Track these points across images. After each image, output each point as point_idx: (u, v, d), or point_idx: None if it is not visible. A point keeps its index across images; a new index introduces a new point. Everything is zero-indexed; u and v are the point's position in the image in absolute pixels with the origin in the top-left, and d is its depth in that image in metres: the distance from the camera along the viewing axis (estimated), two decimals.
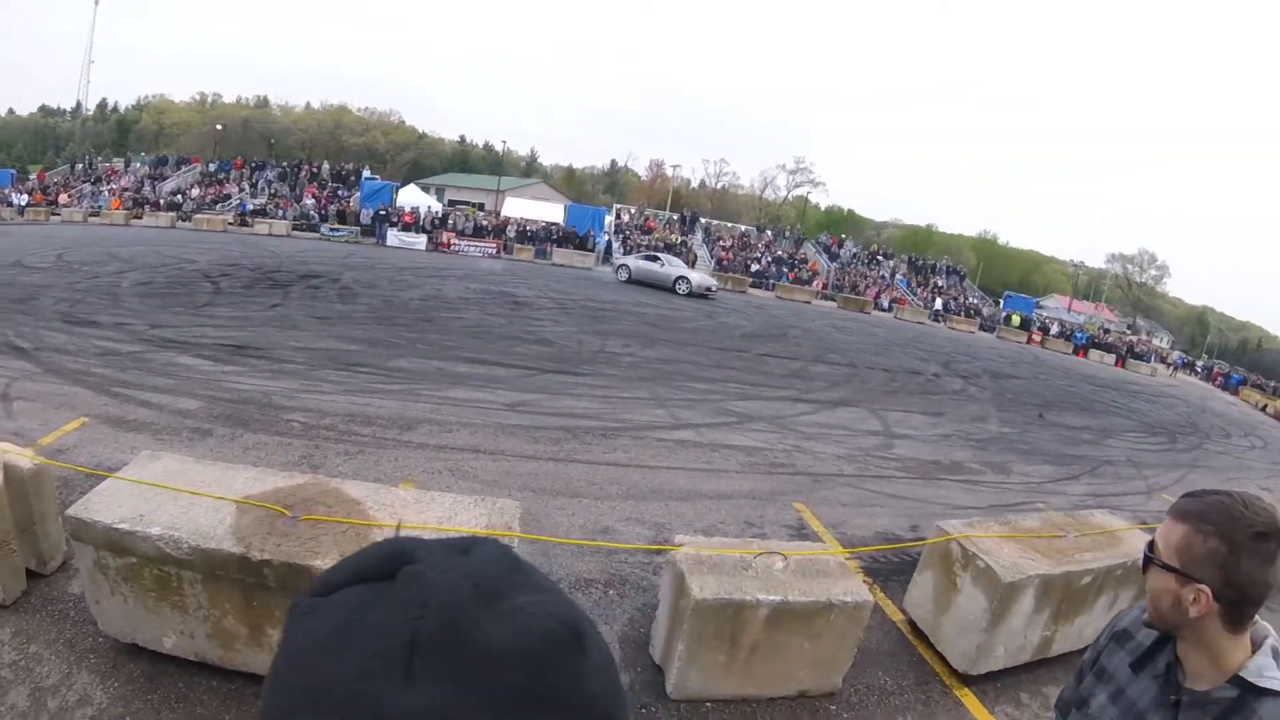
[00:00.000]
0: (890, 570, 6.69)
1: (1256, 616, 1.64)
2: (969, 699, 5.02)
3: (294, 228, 38.24)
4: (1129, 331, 70.66)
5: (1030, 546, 5.48)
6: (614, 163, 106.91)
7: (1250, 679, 1.57)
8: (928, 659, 5.38)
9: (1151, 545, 1.70)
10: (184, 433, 7.52)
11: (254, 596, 3.67)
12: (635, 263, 34.27)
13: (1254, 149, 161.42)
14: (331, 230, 38.11)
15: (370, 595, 0.51)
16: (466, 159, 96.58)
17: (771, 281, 44.38)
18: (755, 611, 4.12)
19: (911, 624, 5.73)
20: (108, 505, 3.79)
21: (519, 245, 40.67)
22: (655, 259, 34.15)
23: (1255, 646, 1.62)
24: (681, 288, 31.29)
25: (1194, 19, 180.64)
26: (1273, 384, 51.95)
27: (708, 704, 4.32)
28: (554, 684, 0.49)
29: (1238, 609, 1.57)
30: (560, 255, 39.93)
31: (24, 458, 4.47)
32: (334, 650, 0.48)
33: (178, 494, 3.92)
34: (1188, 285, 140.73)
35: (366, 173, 51.42)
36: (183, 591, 3.71)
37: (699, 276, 32.71)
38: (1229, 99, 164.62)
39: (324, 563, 3.54)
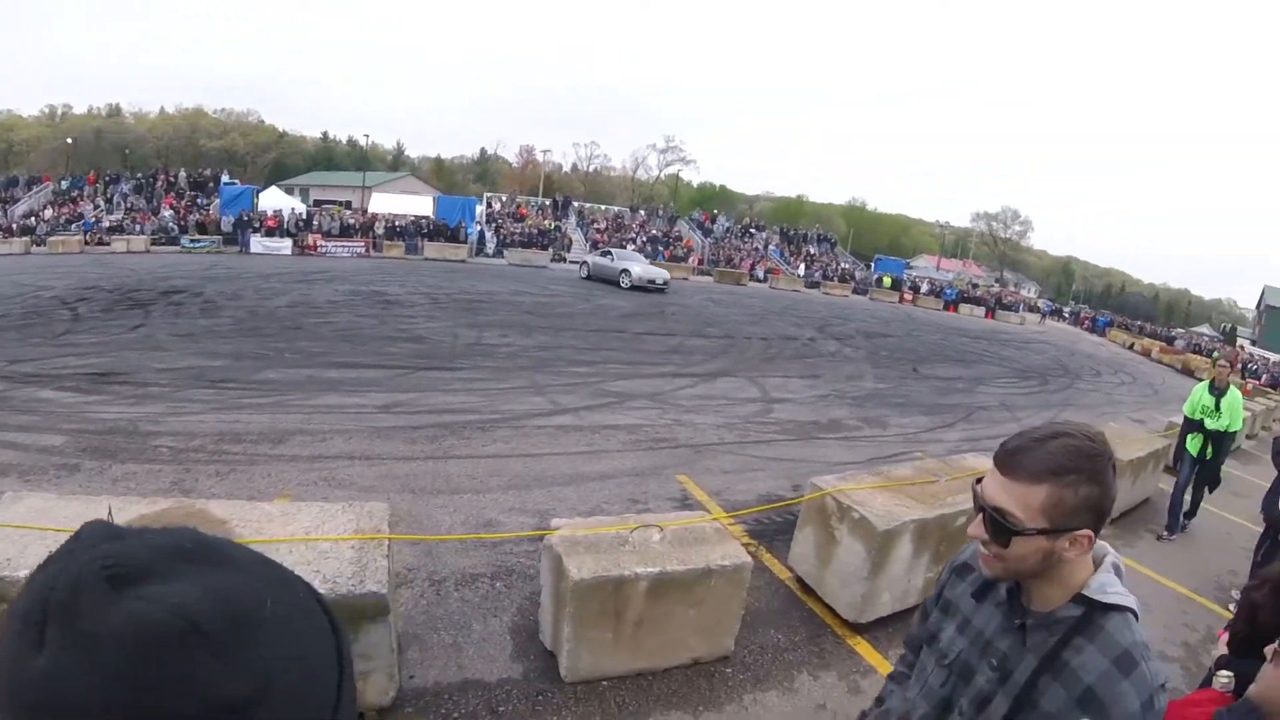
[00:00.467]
0: (775, 530, 6.84)
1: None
2: (862, 646, 5.17)
3: (153, 242, 36.34)
4: (997, 285, 73.43)
5: (903, 494, 5.67)
6: (484, 151, 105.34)
7: (1094, 595, 1.59)
8: (818, 612, 5.52)
9: (1003, 514, 1.58)
10: (50, 470, 7.14)
11: None
12: (592, 259, 35.27)
13: (1106, 99, 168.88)
14: (192, 241, 36.54)
15: (43, 565, 0.56)
16: (331, 156, 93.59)
17: (648, 260, 44.51)
18: (635, 585, 4.15)
19: (799, 580, 5.87)
20: None
21: (388, 242, 39.59)
22: (608, 254, 34.95)
23: (1097, 565, 1.65)
24: (623, 281, 31.17)
25: None
26: (1138, 324, 54.75)
27: (603, 683, 4.34)
28: (159, 673, 0.50)
29: (1097, 533, 1.59)
30: (432, 249, 39.00)
31: None
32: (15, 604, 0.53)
33: (44, 533, 3.74)
34: (1051, 238, 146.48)
35: (225, 177, 49.31)
36: None
37: (641, 268, 32.30)
38: (1077, 52, 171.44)
39: None
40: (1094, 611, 1.60)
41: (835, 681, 4.74)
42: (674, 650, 4.50)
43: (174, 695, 0.50)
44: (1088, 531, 1.55)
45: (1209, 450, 8.66)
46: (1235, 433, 8.79)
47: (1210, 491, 9.09)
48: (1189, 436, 8.76)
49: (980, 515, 1.64)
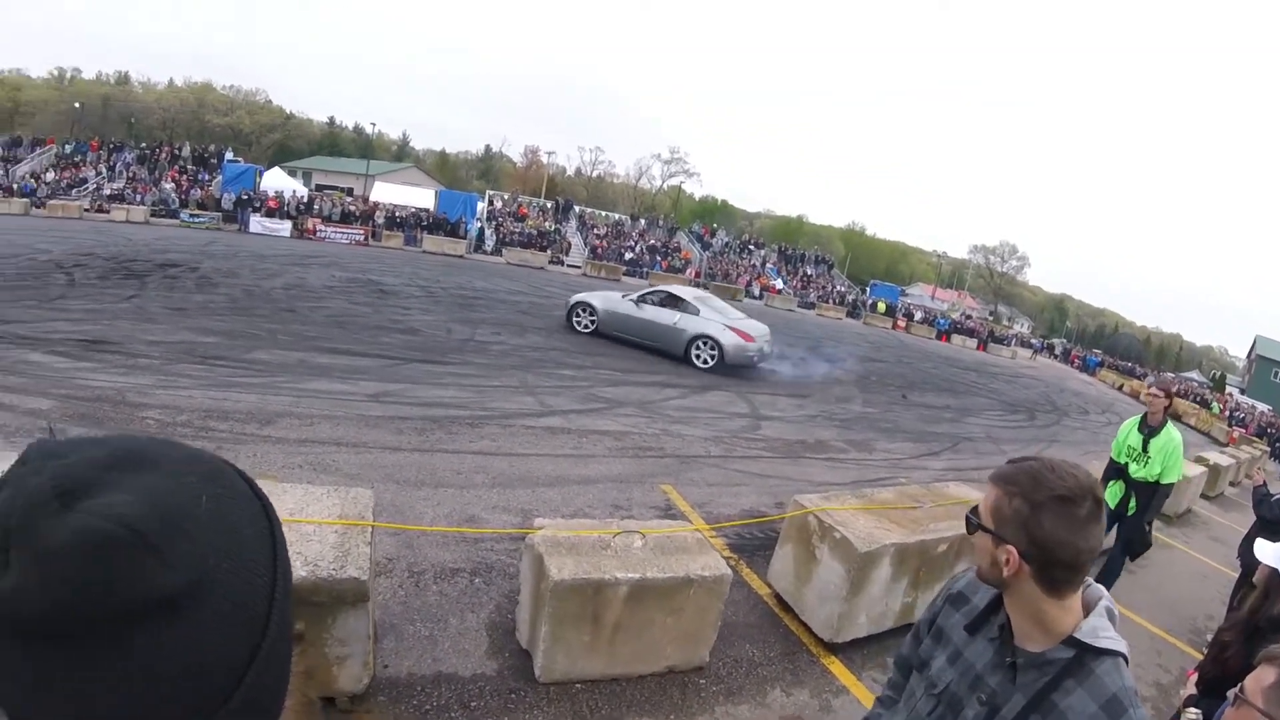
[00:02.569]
0: (756, 546, 6.84)
1: (1090, 580, 1.72)
2: (836, 666, 5.18)
3: (153, 214, 36.35)
4: (990, 318, 73.68)
5: (886, 518, 5.69)
6: (488, 148, 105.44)
7: (1085, 639, 1.63)
8: (794, 630, 5.53)
9: (975, 509, 1.77)
10: (36, 434, 7.11)
11: None
12: (606, 303, 18.41)
13: (1112, 144, 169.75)
14: (192, 216, 36.47)
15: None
16: (336, 142, 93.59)
17: (645, 270, 44.49)
18: (615, 590, 4.15)
19: (777, 596, 5.88)
20: None
21: (388, 232, 39.58)
22: (652, 300, 17.84)
23: (1089, 609, 1.69)
24: (699, 358, 16.48)
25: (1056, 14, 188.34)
26: (1128, 365, 54.98)
27: (577, 685, 4.34)
28: (105, 578, 0.54)
29: (1047, 570, 1.63)
30: (431, 242, 38.75)
31: None
32: None
33: None
34: (1047, 274, 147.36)
35: (230, 155, 49.31)
36: None
37: (733, 338, 16.47)
38: (1088, 96, 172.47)
39: None
40: (1085, 655, 1.63)
41: (808, 699, 4.75)
42: (649, 657, 4.50)
43: (118, 595, 0.54)
44: (1013, 548, 1.64)
45: (1131, 503, 6.87)
46: (1167, 485, 6.77)
47: (1132, 556, 7.16)
48: (1109, 484, 6.94)
49: None
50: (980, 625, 1.86)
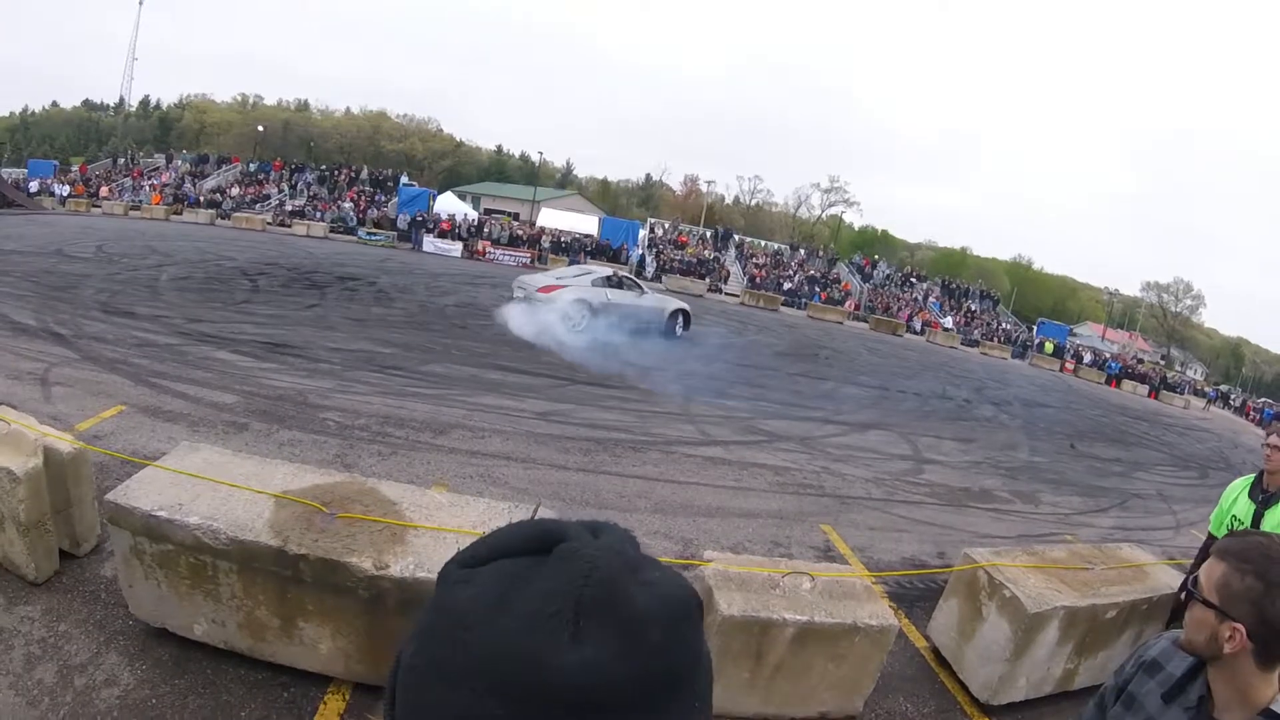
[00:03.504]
0: (915, 596, 6.65)
1: None
2: None
3: (331, 230, 38.61)
4: (1162, 362, 69.92)
5: (1057, 578, 5.45)
6: (649, 176, 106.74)
7: (1278, 710, 1.62)
8: (949, 687, 5.34)
9: (1195, 580, 1.73)
10: (219, 425, 7.62)
11: (288, 590, 3.72)
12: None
13: None
14: (368, 234, 38.50)
15: (527, 566, 0.59)
16: (503, 169, 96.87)
17: (804, 300, 44.13)
18: (781, 630, 4.12)
19: (935, 651, 5.70)
20: (147, 492, 3.86)
21: (553, 255, 40.61)
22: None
23: None
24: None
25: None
26: None
27: None
28: (684, 641, 0.59)
29: (1269, 648, 1.61)
30: (594, 267, 39.51)
31: (63, 442, 4.56)
32: (502, 610, 0.55)
33: (216, 485, 3.99)
34: (1223, 316, 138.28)
35: (404, 179, 51.89)
36: (217, 581, 3.77)
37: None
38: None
39: (360, 560, 3.60)
40: None
41: None
42: (804, 701, 4.44)
43: (684, 660, 0.58)
44: (1241, 627, 1.61)
45: None
46: None
47: None
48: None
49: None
50: (1176, 694, 1.84)
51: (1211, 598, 1.66)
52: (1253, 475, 5.03)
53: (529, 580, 0.57)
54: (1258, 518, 4.76)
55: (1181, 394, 44.63)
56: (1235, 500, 5.02)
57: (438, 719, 0.55)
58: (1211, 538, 5.21)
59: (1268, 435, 4.91)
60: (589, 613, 0.54)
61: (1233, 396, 57.49)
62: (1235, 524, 4.88)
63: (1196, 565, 4.68)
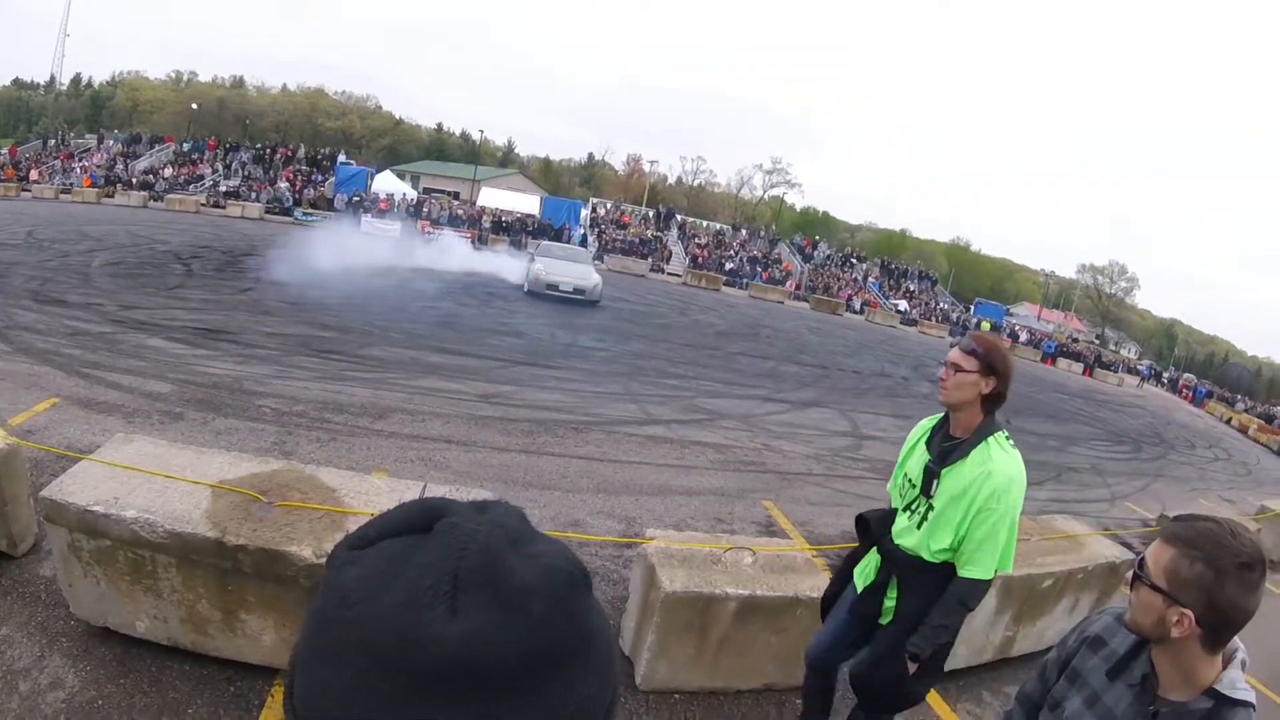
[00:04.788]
0: None
1: None
2: (931, 696, 5.09)
3: (267, 211, 37.85)
4: (1097, 341, 71.31)
5: None
6: (591, 156, 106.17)
7: (1224, 691, 1.67)
8: None
9: (1141, 563, 1.75)
10: (155, 416, 7.47)
11: (228, 581, 3.67)
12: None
13: (1224, 162, 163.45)
14: (305, 215, 37.80)
15: (410, 544, 0.58)
16: (443, 147, 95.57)
17: (745, 280, 44.33)
18: (724, 605, 4.17)
19: None
20: (82, 487, 3.77)
21: (494, 236, 40.35)
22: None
23: (1228, 660, 1.72)
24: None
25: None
26: (1236, 397, 52.70)
27: (676, 695, 4.37)
28: (569, 614, 0.57)
29: (1216, 633, 1.65)
30: (535, 247, 39.25)
31: None
32: (384, 587, 0.55)
33: (152, 477, 3.92)
34: (1157, 297, 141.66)
35: (342, 157, 50.95)
36: (156, 575, 3.71)
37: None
38: (1214, 108, 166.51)
39: (300, 549, 3.57)
40: (1222, 706, 1.67)
41: None
42: (749, 674, 4.51)
43: (572, 635, 0.58)
44: (1189, 613, 1.63)
45: (889, 593, 3.39)
46: (970, 580, 3.23)
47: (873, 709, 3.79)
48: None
49: None
50: (1121, 670, 1.88)
51: (1159, 582, 1.68)
52: (940, 415, 3.37)
53: (410, 557, 0.57)
54: (929, 481, 3.20)
55: (1116, 372, 45.57)
56: (914, 448, 3.41)
57: (328, 699, 0.54)
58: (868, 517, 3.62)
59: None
60: (466, 585, 0.54)
61: (1166, 375, 58.78)
62: (908, 488, 3.31)
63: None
